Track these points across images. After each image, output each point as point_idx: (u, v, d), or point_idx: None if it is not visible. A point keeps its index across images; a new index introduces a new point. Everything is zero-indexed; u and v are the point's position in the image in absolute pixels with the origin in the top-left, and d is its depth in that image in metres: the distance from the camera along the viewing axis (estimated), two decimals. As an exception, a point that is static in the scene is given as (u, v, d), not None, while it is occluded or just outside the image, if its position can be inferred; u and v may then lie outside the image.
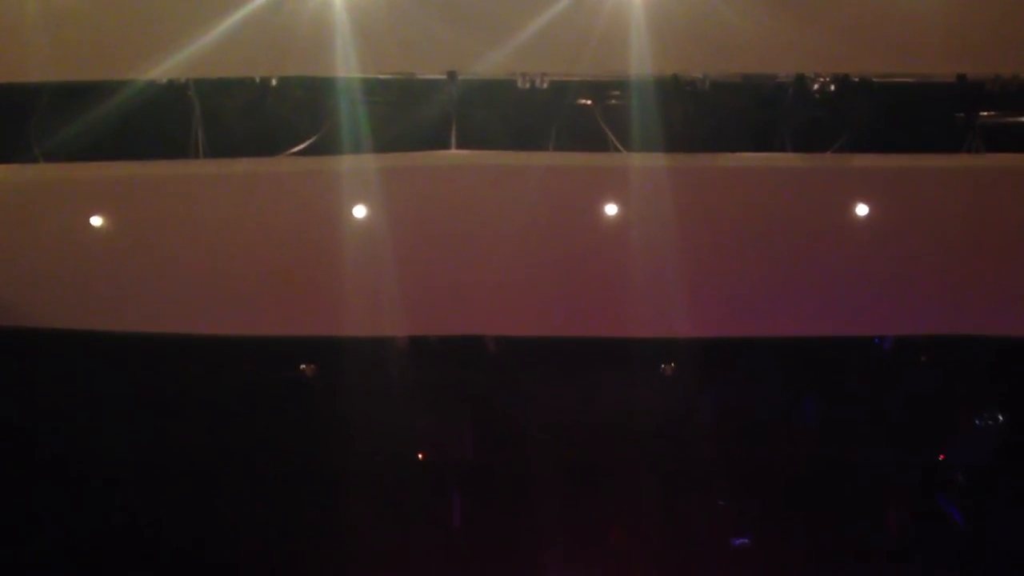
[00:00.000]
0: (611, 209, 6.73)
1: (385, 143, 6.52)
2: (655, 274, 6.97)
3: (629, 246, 6.85)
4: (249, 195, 6.78)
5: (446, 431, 8.62)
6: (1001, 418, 8.06)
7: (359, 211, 6.70)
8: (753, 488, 9.33)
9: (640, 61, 5.96)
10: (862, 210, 6.63)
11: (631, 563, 9.53)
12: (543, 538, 9.30)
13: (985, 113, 6.56)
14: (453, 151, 6.55)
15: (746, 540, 9.56)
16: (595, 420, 8.81)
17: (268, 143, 6.60)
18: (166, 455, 8.45)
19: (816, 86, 6.37)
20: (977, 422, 8.10)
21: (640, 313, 7.31)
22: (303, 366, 8.05)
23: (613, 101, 6.63)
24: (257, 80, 6.43)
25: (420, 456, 8.91)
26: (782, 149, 6.54)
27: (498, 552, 9.43)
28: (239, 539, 9.20)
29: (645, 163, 6.51)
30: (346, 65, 6.04)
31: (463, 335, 7.89)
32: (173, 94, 6.47)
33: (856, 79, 6.34)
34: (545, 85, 6.40)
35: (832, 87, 6.37)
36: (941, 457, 8.85)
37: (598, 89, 6.60)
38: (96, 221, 6.78)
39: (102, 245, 6.91)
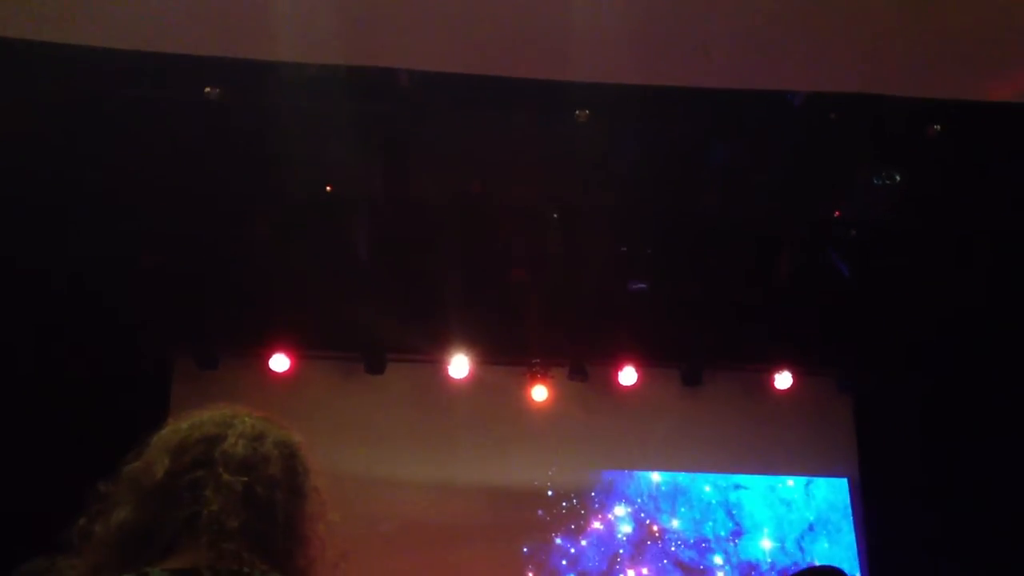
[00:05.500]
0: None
1: None
2: (578, 13, 6.76)
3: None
4: None
5: (355, 164, 8.49)
6: (898, 178, 8.27)
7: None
8: (653, 235, 9.57)
9: None
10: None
11: (531, 301, 9.84)
12: (446, 274, 9.49)
13: None
14: None
15: (643, 286, 9.89)
16: (504, 161, 8.77)
17: None
18: (62, 170, 8.18)
19: None
20: (875, 180, 8.30)
21: (559, 55, 7.13)
22: (208, 88, 7.70)
23: None
24: None
25: (328, 188, 8.82)
26: None
27: (402, 286, 9.61)
28: (141, 259, 9.16)
29: None
30: None
31: (375, 66, 7.62)
32: None
33: None
34: None
35: None
36: (837, 214, 9.13)
37: None
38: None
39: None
